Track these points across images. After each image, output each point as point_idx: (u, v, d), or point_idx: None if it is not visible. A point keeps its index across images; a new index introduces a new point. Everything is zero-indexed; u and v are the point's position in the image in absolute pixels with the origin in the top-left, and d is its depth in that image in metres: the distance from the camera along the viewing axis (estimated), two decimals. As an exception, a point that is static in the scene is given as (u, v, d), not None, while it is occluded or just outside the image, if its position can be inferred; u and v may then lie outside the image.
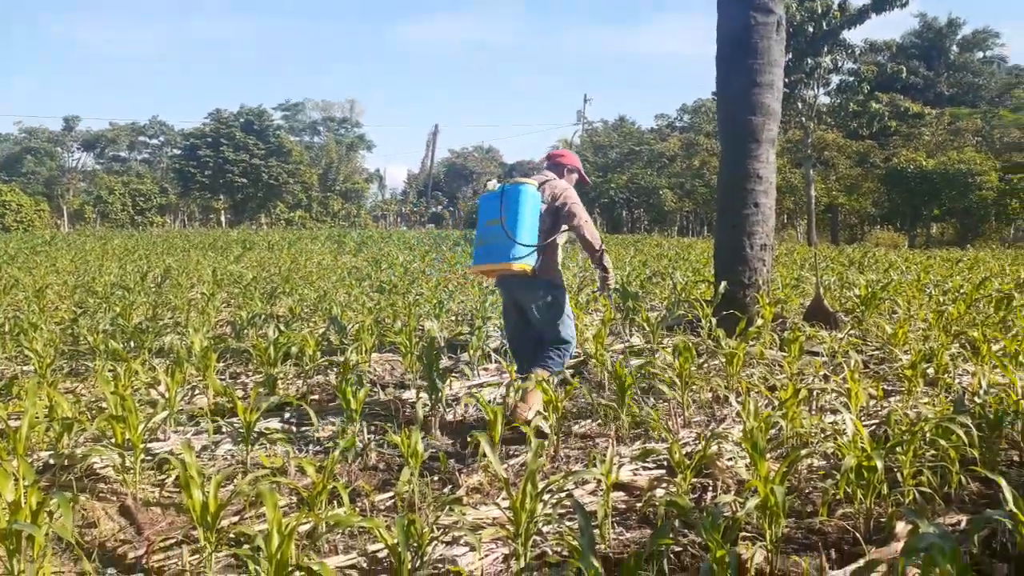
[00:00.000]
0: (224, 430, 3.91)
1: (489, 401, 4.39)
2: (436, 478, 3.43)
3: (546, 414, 3.73)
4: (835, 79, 26.57)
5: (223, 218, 56.08)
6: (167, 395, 4.00)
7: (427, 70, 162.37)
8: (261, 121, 57.33)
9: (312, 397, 4.71)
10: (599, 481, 3.05)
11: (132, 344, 5.92)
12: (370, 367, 5.40)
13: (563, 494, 3.10)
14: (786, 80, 24.73)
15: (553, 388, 3.95)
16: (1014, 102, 46.64)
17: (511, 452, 3.77)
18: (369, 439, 3.88)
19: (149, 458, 3.54)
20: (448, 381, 4.53)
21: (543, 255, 4.24)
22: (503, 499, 2.98)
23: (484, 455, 2.97)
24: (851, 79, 27.05)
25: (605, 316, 5.85)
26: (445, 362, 5.29)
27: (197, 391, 4.78)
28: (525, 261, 4.10)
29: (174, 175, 57.98)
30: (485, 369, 5.36)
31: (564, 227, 4.34)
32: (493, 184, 4.35)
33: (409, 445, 3.08)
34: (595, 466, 3.03)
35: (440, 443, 3.89)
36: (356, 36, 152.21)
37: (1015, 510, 2.20)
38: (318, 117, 75.20)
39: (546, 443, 3.68)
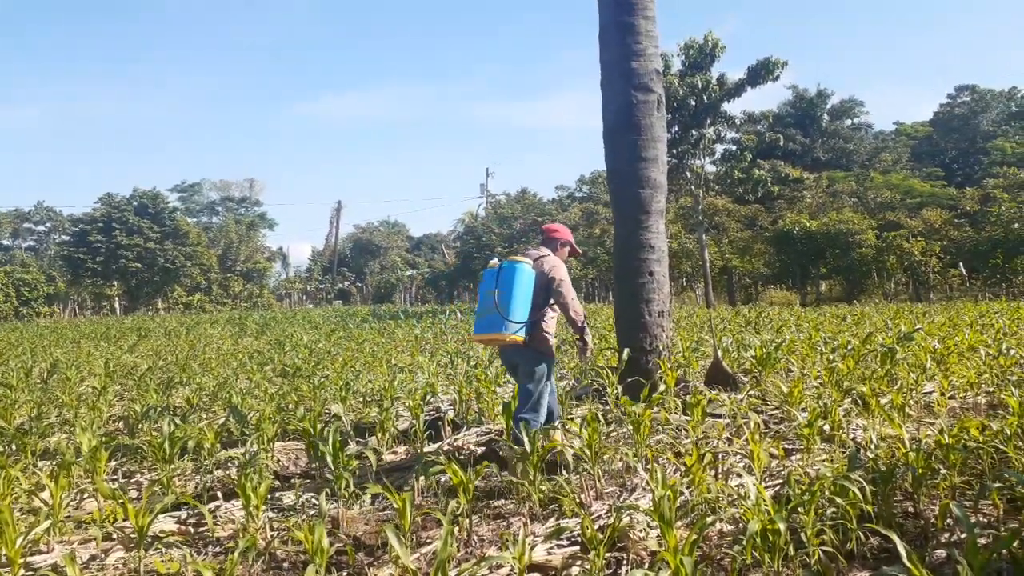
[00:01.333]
0: (115, 536, 3.65)
1: (399, 488, 4.30)
2: (344, 573, 3.29)
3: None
4: (719, 148, 28.19)
5: (117, 305, 53.50)
6: (51, 502, 3.72)
7: (329, 146, 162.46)
8: (156, 204, 55.64)
9: (212, 493, 4.48)
10: (514, 564, 3.00)
11: (13, 447, 5.50)
12: (273, 457, 5.19)
13: (477, 580, 3.03)
14: (675, 151, 26.22)
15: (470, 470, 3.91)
16: (882, 165, 50.67)
17: (423, 540, 3.67)
18: (272, 536, 3.70)
19: (29, 573, 3.25)
20: (354, 468, 4.40)
21: (534, 327, 4.72)
22: (415, 592, 2.88)
23: (393, 548, 2.88)
24: (734, 148, 28.76)
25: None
26: (352, 448, 5.14)
27: (86, 495, 4.46)
28: (517, 333, 4.61)
29: (63, 262, 55.10)
30: (394, 452, 5.24)
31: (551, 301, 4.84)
32: (494, 262, 4.86)
33: (313, 541, 2.95)
34: (508, 548, 2.99)
35: (347, 536, 3.75)
36: (253, 115, 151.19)
37: (909, 565, 2.30)
38: (216, 197, 73.73)
39: (457, 528, 3.61)
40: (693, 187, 27.20)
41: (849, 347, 7.50)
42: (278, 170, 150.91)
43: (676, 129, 26.17)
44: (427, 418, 5.78)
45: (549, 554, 3.30)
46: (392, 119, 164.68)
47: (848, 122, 57.71)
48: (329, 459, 4.28)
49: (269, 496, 4.21)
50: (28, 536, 3.29)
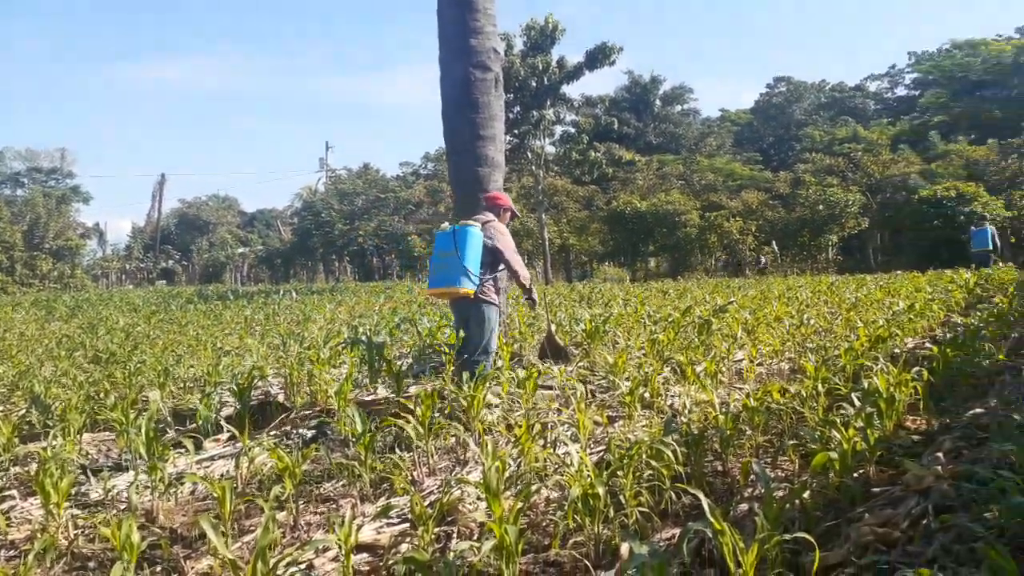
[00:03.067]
0: None
1: (220, 476, 4.09)
2: (159, 568, 3.09)
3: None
4: (559, 130, 28.97)
5: None
6: None
7: (152, 116, 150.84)
8: (-56, 173, 49.34)
9: (7, 493, 4.05)
10: (340, 546, 2.93)
11: None
12: (81, 450, 4.77)
13: (303, 566, 2.95)
14: (516, 131, 26.61)
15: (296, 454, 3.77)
16: (708, 149, 54.15)
17: (247, 528, 3.51)
18: (76, 534, 3.40)
19: None
20: (172, 459, 4.14)
21: (481, 282, 5.48)
22: (234, 583, 2.75)
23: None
24: (572, 130, 29.68)
25: (348, 371, 5.73)
26: (171, 436, 4.83)
27: None
28: (468, 287, 5.36)
29: None
30: (216, 440, 4.97)
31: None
32: (445, 225, 5.73)
33: (121, 536, 2.74)
34: (335, 531, 2.92)
35: (163, 529, 3.52)
36: (65, 79, 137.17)
37: (712, 519, 2.46)
38: (21, 168, 66.27)
39: (284, 514, 3.49)
40: (534, 167, 27.80)
41: (670, 319, 7.97)
42: (94, 140, 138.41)
43: (518, 109, 26.57)
44: (255, 402, 5.54)
45: (378, 533, 3.27)
46: (223, 89, 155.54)
47: (678, 108, 61.08)
48: (143, 449, 4.00)
49: (74, 492, 3.87)
50: None
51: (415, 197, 47.87)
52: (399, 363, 6.73)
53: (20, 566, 2.55)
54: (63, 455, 4.17)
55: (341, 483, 3.97)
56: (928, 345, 6.21)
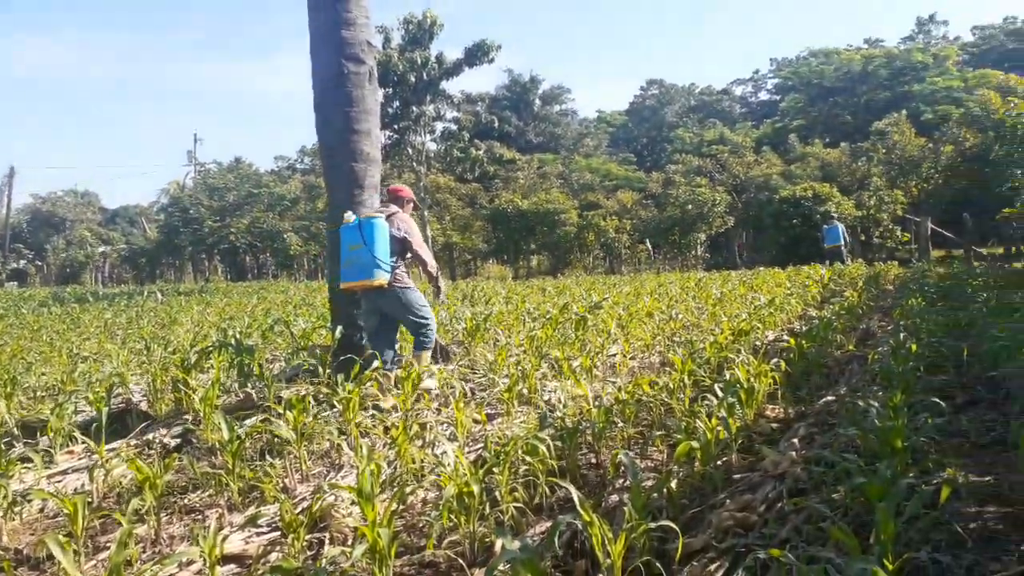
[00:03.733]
0: None
1: (74, 490, 3.83)
2: (1, 595, 2.85)
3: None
4: (440, 127, 28.87)
5: None
6: None
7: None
8: None
9: None
10: (205, 558, 2.80)
11: None
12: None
13: (163, 581, 2.79)
14: (396, 126, 26.31)
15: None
16: (585, 150, 55.52)
17: (103, 544, 3.30)
18: (-98, 565, 3.08)
19: None
20: (18, 473, 3.83)
21: (393, 271, 5.66)
22: (85, 605, 2.57)
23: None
24: (453, 127, 29.67)
25: (214, 376, 5.49)
26: (19, 450, 4.46)
27: None
28: (383, 277, 5.54)
29: None
30: (70, 453, 4.63)
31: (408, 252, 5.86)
32: (349, 216, 5.72)
33: (-47, 564, 2.51)
34: (199, 542, 2.78)
35: (6, 550, 3.25)
36: None
37: (581, 511, 2.52)
38: None
39: (145, 527, 3.30)
40: (415, 164, 27.55)
41: (549, 316, 8.11)
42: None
43: (397, 105, 26.26)
44: (115, 411, 5.20)
45: (246, 543, 3.14)
46: (79, 74, 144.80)
47: (557, 108, 62.30)
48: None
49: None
50: None
51: (291, 192, 46.36)
52: (271, 366, 6.51)
53: None
54: None
55: (208, 493, 3.80)
56: (786, 337, 6.62)
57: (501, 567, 2.35)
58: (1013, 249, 26.71)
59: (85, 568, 2.99)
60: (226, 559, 2.92)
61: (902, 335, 5.53)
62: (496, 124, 33.96)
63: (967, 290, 10.03)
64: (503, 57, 26.96)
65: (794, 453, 3.51)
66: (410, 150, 27.18)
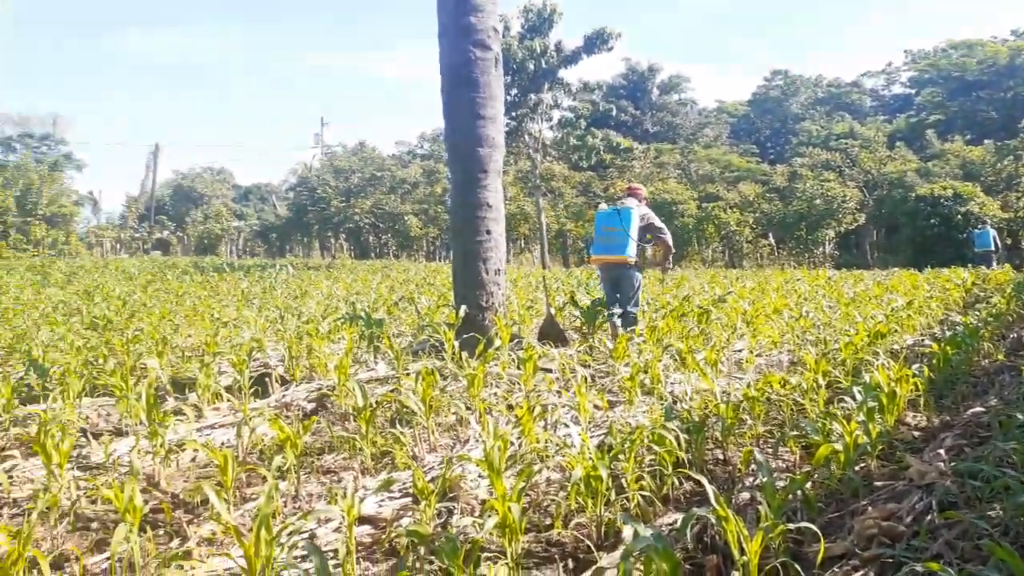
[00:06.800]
0: None
1: (221, 444, 4.09)
2: (162, 532, 3.09)
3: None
4: (557, 115, 28.78)
5: None
6: None
7: (148, 86, 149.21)
8: (-64, 133, 48.79)
9: (8, 453, 4.03)
10: (343, 517, 2.93)
11: None
12: (81, 414, 4.75)
13: (305, 535, 2.95)
14: (513, 114, 26.43)
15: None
16: (704, 140, 54.07)
17: (248, 496, 3.51)
18: (78, 495, 3.39)
19: None
20: (172, 425, 4.13)
21: (636, 252, 7.22)
22: (236, 549, 2.75)
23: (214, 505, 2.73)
24: (570, 115, 29.51)
25: (347, 346, 5.72)
26: (171, 404, 4.82)
27: None
28: (630, 256, 7.18)
29: None
30: (216, 409, 4.96)
31: (651, 236, 7.57)
32: (603, 206, 7.76)
33: (124, 499, 2.74)
34: (337, 502, 2.92)
35: (164, 493, 3.52)
36: (57, 47, 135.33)
37: (716, 506, 2.47)
38: (13, 133, 65.42)
39: (286, 483, 3.49)
40: (531, 151, 27.66)
41: (669, 307, 7.97)
42: (89, 108, 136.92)
43: (515, 92, 26.37)
44: (253, 374, 5.52)
45: (380, 506, 3.27)
46: (218, 62, 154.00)
47: (675, 97, 60.88)
48: (143, 415, 3.99)
49: (75, 454, 3.87)
50: None
51: (411, 177, 47.59)
52: (398, 341, 6.72)
53: (24, 524, 2.54)
54: (63, 417, 4.16)
55: (342, 456, 3.97)
56: (927, 342, 6.23)
57: (636, 552, 2.33)
58: None
59: (232, 516, 3.19)
60: (361, 520, 3.05)
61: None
62: (613, 112, 33.48)
63: None
64: (621, 45, 26.46)
65: (942, 464, 3.30)
66: (527, 137, 27.28)
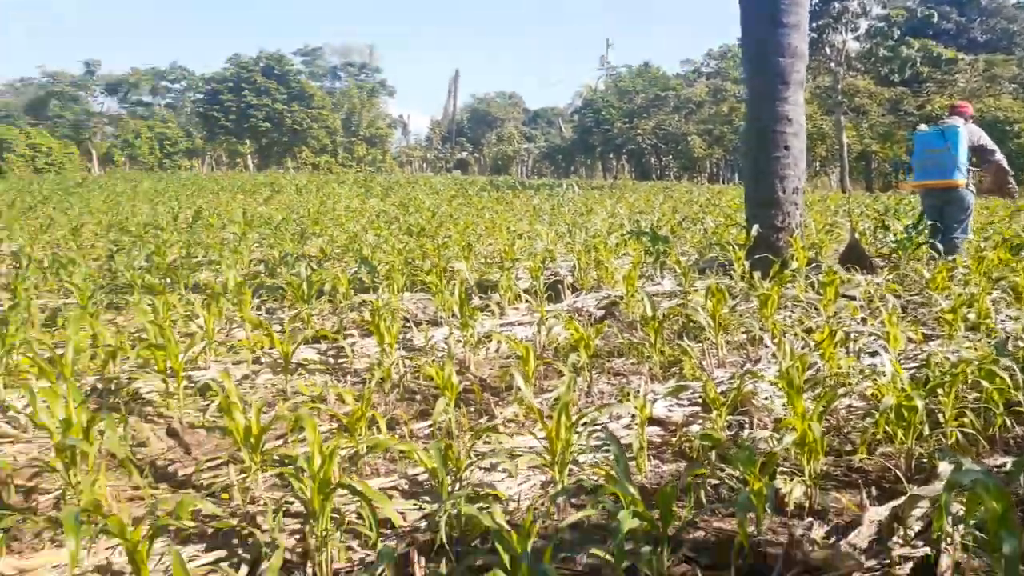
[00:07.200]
0: (263, 360, 3.96)
1: (520, 339, 4.42)
2: (472, 409, 3.46)
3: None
4: (864, 24, 25.70)
5: (249, 162, 56.16)
6: (204, 327, 4.05)
7: (445, 14, 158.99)
8: (281, 66, 56.93)
9: (347, 332, 4.76)
10: (633, 415, 3.05)
11: (168, 280, 5.99)
12: (402, 305, 5.43)
13: (598, 426, 3.12)
14: (814, 24, 24.12)
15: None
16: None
17: (545, 388, 3.79)
18: (404, 372, 3.91)
19: (191, 385, 3.60)
20: (479, 319, 4.55)
21: (967, 174, 6.58)
22: (538, 430, 3.00)
23: (518, 389, 2.99)
24: (880, 24, 26.17)
25: (634, 259, 5.81)
26: (476, 302, 5.30)
27: (234, 325, 4.84)
28: (960, 178, 6.52)
29: (198, 119, 58.01)
30: (515, 308, 5.36)
31: (976, 160, 6.82)
32: (923, 127, 7.04)
33: (444, 376, 3.11)
34: (629, 401, 3.04)
35: (474, 377, 3.92)
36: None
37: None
38: (337, 62, 74.01)
39: (580, 379, 3.70)
40: (833, 65, 25.21)
41: (998, 236, 6.95)
42: (393, 36, 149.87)
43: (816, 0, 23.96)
44: (547, 281, 5.85)
45: (669, 411, 3.34)
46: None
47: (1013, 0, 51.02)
48: (456, 308, 4.43)
49: (400, 337, 4.43)
50: (187, 353, 3.62)
51: (696, 96, 45.89)
52: (683, 259, 6.68)
53: (364, 390, 2.99)
54: (392, 306, 4.78)
55: (631, 361, 4.10)
56: None
57: (961, 485, 2.13)
58: None
59: (534, 400, 3.47)
60: (651, 421, 3.14)
61: None
62: (933, 20, 29.08)
63: None
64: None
65: None
66: (828, 49, 24.83)
